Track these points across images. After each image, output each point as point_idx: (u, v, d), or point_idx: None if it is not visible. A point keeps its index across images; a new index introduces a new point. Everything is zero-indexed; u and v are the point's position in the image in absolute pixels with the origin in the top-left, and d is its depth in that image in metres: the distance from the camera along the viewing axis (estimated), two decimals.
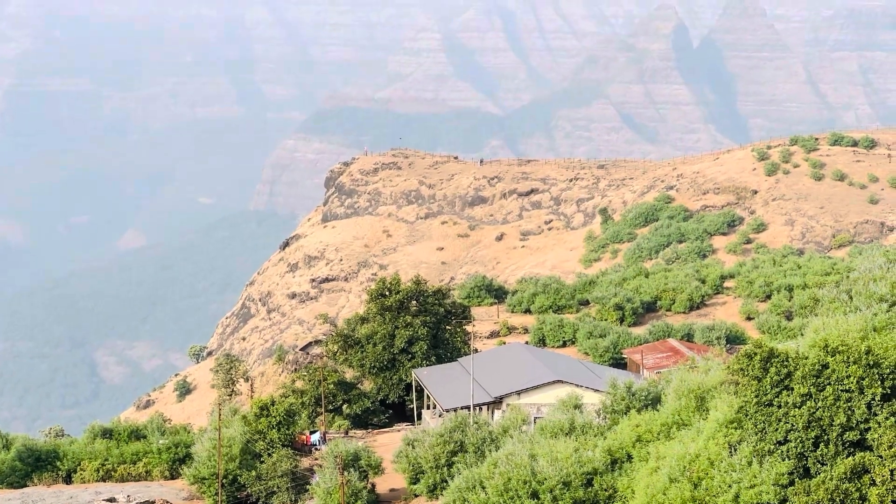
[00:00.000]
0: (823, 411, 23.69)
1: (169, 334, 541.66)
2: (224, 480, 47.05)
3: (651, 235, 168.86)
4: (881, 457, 22.68)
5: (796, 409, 24.08)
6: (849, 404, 23.65)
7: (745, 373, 25.73)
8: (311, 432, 61.40)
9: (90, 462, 53.83)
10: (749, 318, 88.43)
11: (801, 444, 23.96)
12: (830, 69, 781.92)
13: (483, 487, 33.04)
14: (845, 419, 23.50)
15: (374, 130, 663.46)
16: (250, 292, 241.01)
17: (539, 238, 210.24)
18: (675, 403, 32.53)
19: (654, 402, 37.69)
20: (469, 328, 77.17)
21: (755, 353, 25.77)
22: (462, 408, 52.77)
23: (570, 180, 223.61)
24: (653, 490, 26.95)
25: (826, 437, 23.63)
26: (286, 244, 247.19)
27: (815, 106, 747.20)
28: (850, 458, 23.12)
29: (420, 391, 65.56)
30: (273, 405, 52.81)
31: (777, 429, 24.37)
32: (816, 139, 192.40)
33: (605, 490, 31.02)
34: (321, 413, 67.07)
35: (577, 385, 53.96)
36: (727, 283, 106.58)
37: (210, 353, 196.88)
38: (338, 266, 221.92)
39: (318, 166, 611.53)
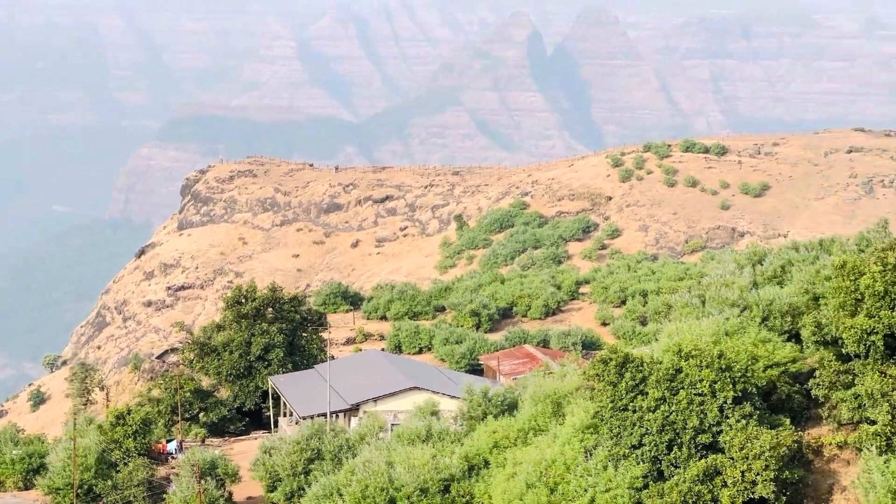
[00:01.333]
0: (677, 415, 24.50)
1: (22, 344, 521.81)
2: (79, 490, 47.73)
3: (506, 241, 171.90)
4: (732, 458, 23.59)
5: (651, 414, 24.81)
6: (701, 408, 24.54)
7: (601, 378, 26.36)
8: (168, 441, 62.01)
9: None
10: (604, 324, 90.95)
11: (655, 448, 24.71)
12: (682, 77, 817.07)
13: (340, 495, 33.52)
14: (698, 422, 24.36)
15: (229, 138, 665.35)
16: (105, 301, 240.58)
17: (395, 245, 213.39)
18: (531, 409, 33.24)
19: (511, 407, 38.65)
20: (325, 335, 78.60)
21: (611, 359, 26.44)
22: (319, 415, 53.72)
23: (426, 187, 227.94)
24: (509, 496, 27.38)
25: (679, 441, 24.45)
26: (142, 252, 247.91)
27: (667, 113, 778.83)
28: (703, 461, 23.98)
29: (277, 399, 66.64)
30: (129, 414, 54.15)
31: (632, 433, 25.05)
32: (669, 146, 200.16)
33: (463, 496, 31.58)
34: (178, 422, 67.64)
35: (433, 391, 55.54)
36: (582, 289, 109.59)
37: (65, 363, 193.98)
38: (194, 274, 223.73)
39: (173, 174, 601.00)
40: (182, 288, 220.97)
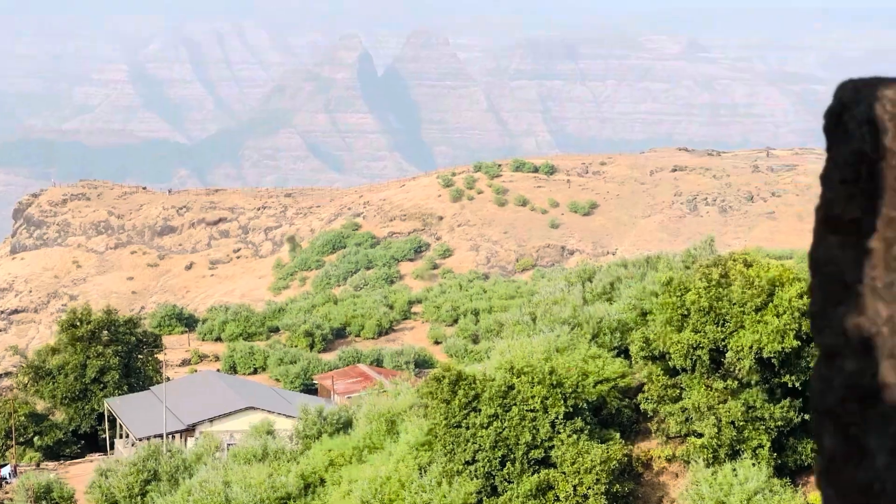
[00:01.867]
0: (510, 431, 24.87)
1: None
2: None
3: (339, 262, 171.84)
4: (564, 473, 24.14)
5: (484, 430, 25.10)
6: (534, 423, 25.00)
7: (434, 396, 26.51)
8: (1, 466, 62.14)
9: None
10: (437, 343, 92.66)
11: (488, 464, 25.04)
12: (511, 97, 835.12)
13: None
14: (530, 438, 24.82)
15: (62, 162, 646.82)
16: None
17: (228, 266, 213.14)
18: (366, 427, 33.59)
19: (346, 426, 39.37)
20: (161, 357, 79.90)
21: (444, 377, 26.65)
22: (155, 436, 54.39)
23: (258, 209, 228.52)
24: None
25: (512, 456, 24.84)
26: None
27: (496, 133, 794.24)
28: (536, 476, 24.45)
29: (113, 421, 67.68)
30: None
31: (465, 449, 25.30)
32: (499, 165, 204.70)
33: None
34: (12, 446, 67.95)
35: (269, 411, 56.85)
36: (415, 309, 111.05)
37: None
38: (27, 297, 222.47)
39: (4, 198, 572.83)
40: (15, 312, 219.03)
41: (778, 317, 24.66)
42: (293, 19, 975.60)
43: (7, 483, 57.54)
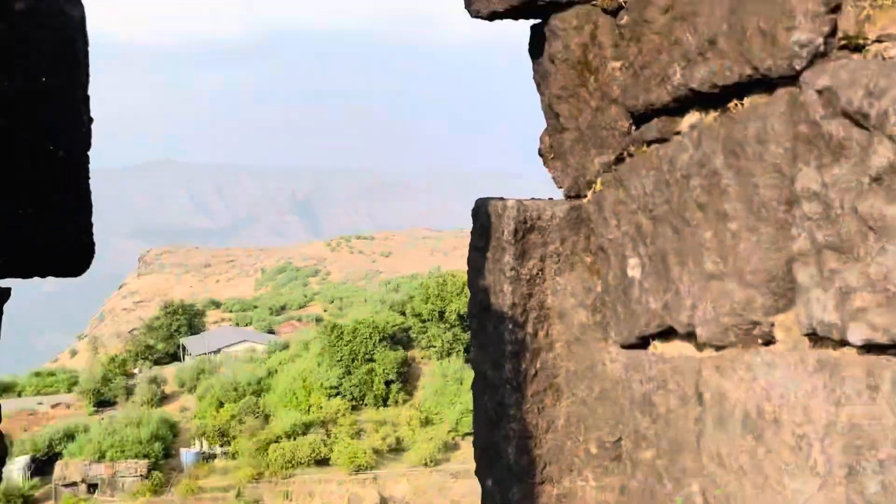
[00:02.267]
0: (356, 347, 54.42)
1: None
2: None
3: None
4: (379, 364, 54.06)
5: (344, 346, 54.27)
6: (365, 344, 54.46)
7: (325, 332, 55.71)
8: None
9: None
10: (324, 311, 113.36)
11: (347, 362, 54.28)
12: None
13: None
14: (363, 350, 54.33)
15: None
16: None
17: None
18: (295, 347, 60.61)
19: (286, 347, 62.74)
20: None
21: (328, 325, 55.78)
22: (200, 354, 60.52)
23: None
24: (284, 384, 55.93)
25: (356, 358, 54.24)
26: None
27: None
28: (366, 366, 54.06)
29: (184, 348, 71.06)
30: None
31: (336, 355, 54.39)
32: None
33: (266, 386, 58.86)
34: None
35: (253, 342, 65.66)
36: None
37: None
38: None
39: None
40: None
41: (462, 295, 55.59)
42: None
43: None
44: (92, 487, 37.53)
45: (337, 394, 49.31)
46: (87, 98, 2.36)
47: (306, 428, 45.68)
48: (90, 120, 2.39)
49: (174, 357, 65.31)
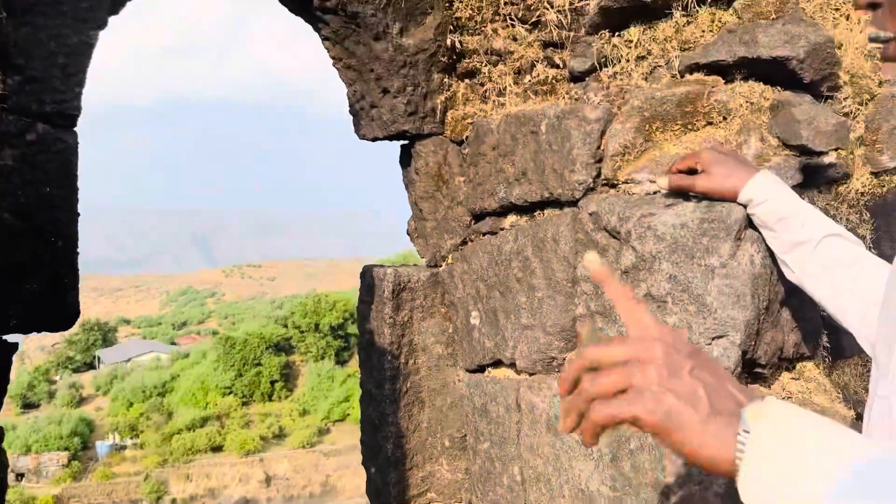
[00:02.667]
0: (245, 361, 52.83)
1: None
2: None
3: None
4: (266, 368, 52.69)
5: (237, 356, 52.79)
6: (254, 352, 53.07)
7: (220, 343, 53.82)
8: None
9: None
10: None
11: (241, 371, 52.74)
12: None
13: None
14: (251, 357, 52.93)
15: None
16: None
17: None
18: (198, 356, 59.14)
19: (188, 356, 62.81)
20: None
21: (222, 337, 53.96)
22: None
23: None
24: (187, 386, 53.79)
25: (253, 374, 52.72)
26: None
27: None
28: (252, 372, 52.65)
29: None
30: None
31: (229, 362, 52.80)
32: None
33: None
34: None
35: (159, 352, 64.02)
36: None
37: None
38: None
39: None
40: None
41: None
42: None
43: None
44: (20, 476, 35.47)
45: (230, 393, 48.55)
46: (78, 200, 2.50)
47: (204, 421, 44.40)
48: (79, 215, 2.53)
49: (90, 366, 62.46)
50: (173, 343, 69.77)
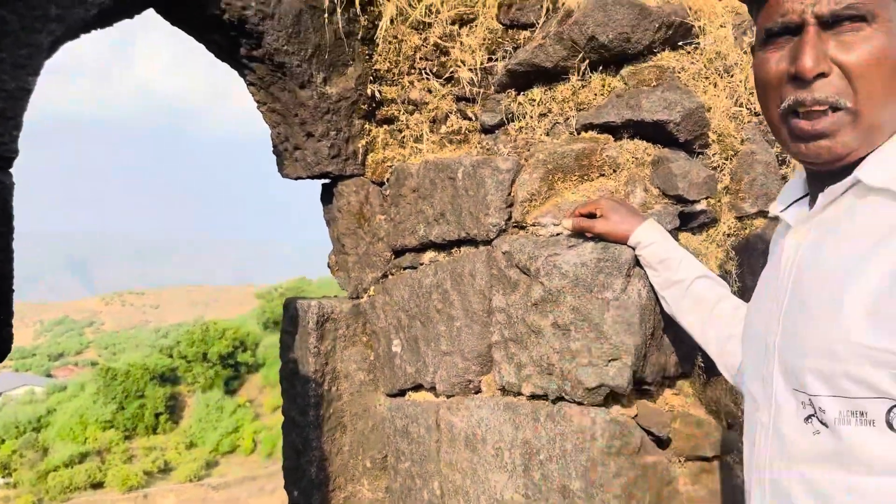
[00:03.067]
0: (130, 392, 50.70)
1: None
2: None
3: None
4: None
5: (120, 389, 50.53)
6: (138, 385, 51.04)
7: (100, 376, 51.37)
8: None
9: None
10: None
11: (124, 405, 50.52)
12: None
13: None
14: (138, 387, 50.90)
15: None
16: None
17: None
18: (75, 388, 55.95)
19: (65, 388, 59.03)
20: None
21: (102, 370, 51.62)
22: None
23: None
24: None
25: (138, 401, 50.62)
26: None
27: None
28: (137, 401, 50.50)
29: None
30: None
31: (111, 396, 50.54)
32: None
33: None
34: None
35: (34, 385, 59.30)
36: None
37: None
38: None
39: None
40: None
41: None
42: None
43: None
44: None
45: (111, 426, 45.72)
46: (13, 238, 2.58)
47: (83, 457, 42.28)
48: (13, 251, 2.61)
49: None
50: (49, 375, 66.25)
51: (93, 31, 2.64)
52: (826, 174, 1.47)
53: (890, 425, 1.33)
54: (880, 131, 1.41)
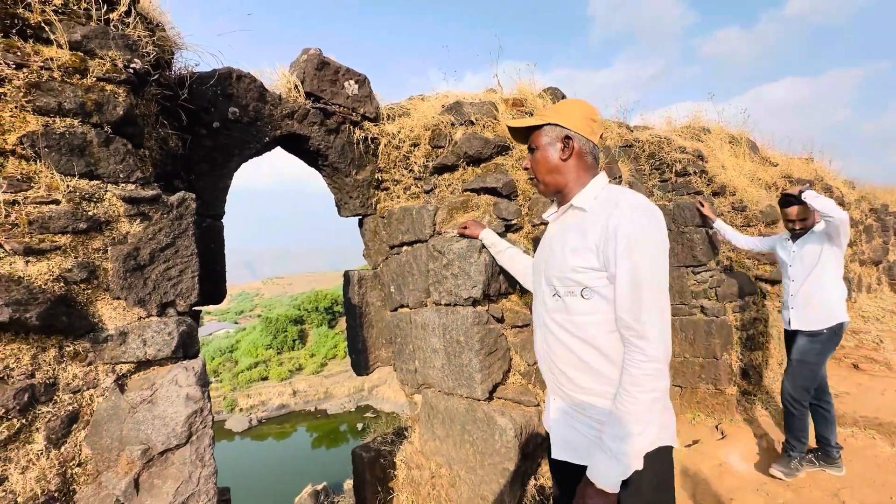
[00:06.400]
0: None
1: None
2: None
3: None
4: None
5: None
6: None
7: None
8: None
9: None
10: None
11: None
12: None
13: None
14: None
15: None
16: None
17: None
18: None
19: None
20: None
21: None
22: None
23: None
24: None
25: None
26: None
27: None
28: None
29: None
30: None
31: None
32: None
33: None
34: None
35: None
36: None
37: None
38: None
39: None
40: None
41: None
42: None
43: None
44: None
45: (270, 348, 44.05)
46: (224, 254, 2.58)
47: (256, 364, 39.79)
48: (224, 255, 2.77)
49: None
50: (236, 322, 65.83)
51: (251, 160, 3.03)
52: (559, 201, 1.62)
53: (582, 295, 1.47)
54: (568, 186, 1.57)
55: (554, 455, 1.53)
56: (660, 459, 1.41)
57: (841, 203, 5.18)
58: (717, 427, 3.32)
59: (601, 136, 2.35)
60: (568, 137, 1.57)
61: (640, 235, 1.40)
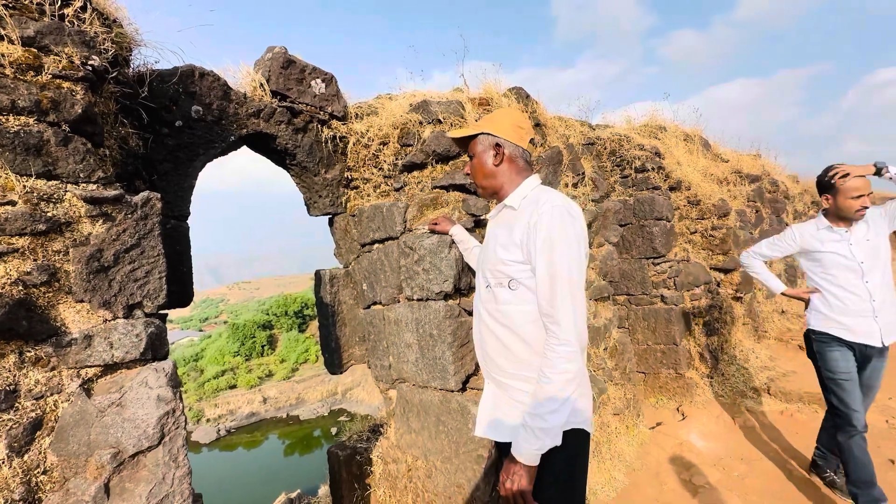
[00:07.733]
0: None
1: None
2: None
3: None
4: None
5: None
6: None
7: None
8: None
9: None
10: None
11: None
12: None
13: None
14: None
15: None
16: None
17: None
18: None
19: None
20: None
21: None
22: None
23: None
24: None
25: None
26: None
27: None
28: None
29: None
30: None
31: None
32: None
33: None
34: None
35: None
36: None
37: None
38: None
39: None
40: None
41: None
42: None
43: None
44: None
45: (238, 354, 42.89)
46: (191, 254, 2.52)
47: (223, 372, 38.72)
48: (191, 258, 2.64)
49: None
50: (201, 330, 63.80)
51: (216, 160, 2.98)
52: (497, 201, 1.73)
53: (509, 286, 1.54)
54: (503, 188, 1.65)
55: (476, 433, 1.61)
56: (573, 439, 1.47)
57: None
58: (678, 409, 3.46)
59: (531, 141, 2.42)
60: (498, 145, 1.63)
61: (557, 232, 1.46)
